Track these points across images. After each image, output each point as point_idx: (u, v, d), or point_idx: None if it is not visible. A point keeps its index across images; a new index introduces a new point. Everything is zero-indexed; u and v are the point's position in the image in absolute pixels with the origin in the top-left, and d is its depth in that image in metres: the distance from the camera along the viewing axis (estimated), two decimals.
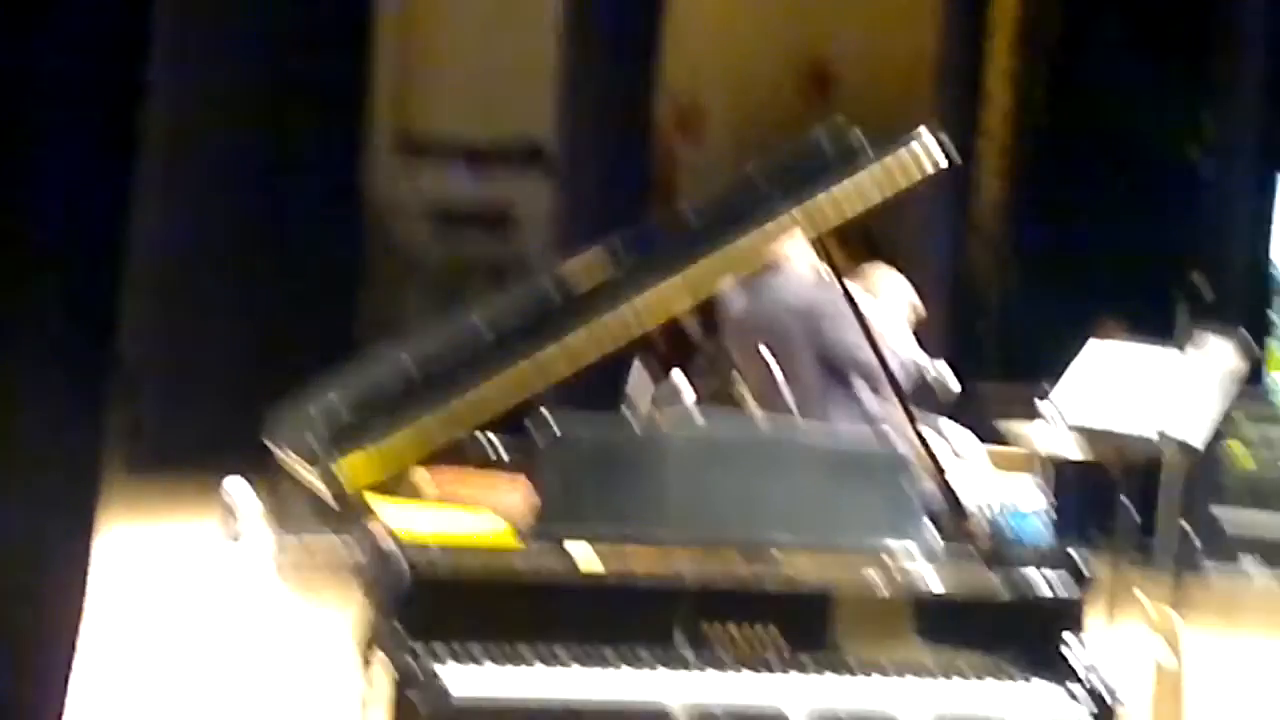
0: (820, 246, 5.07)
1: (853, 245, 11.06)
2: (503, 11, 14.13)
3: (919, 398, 7.00)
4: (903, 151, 4.82)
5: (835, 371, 6.84)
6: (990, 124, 12.97)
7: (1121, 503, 7.49)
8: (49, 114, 3.53)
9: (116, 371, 3.83)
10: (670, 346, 8.85)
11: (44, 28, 3.55)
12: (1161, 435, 7.06)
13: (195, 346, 11.84)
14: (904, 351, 6.94)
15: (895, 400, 5.02)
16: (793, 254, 6.78)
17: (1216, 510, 11.34)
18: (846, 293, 5.20)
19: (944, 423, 7.26)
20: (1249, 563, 11.32)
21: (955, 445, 7.23)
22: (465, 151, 14.53)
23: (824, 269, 5.41)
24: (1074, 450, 7.72)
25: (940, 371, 6.97)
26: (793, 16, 14.08)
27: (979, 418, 8.28)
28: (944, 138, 4.87)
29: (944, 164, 4.84)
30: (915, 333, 7.40)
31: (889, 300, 7.33)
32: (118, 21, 3.60)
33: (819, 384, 6.81)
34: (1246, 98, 11.63)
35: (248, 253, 12.13)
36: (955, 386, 6.97)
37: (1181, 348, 7.58)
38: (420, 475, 4.86)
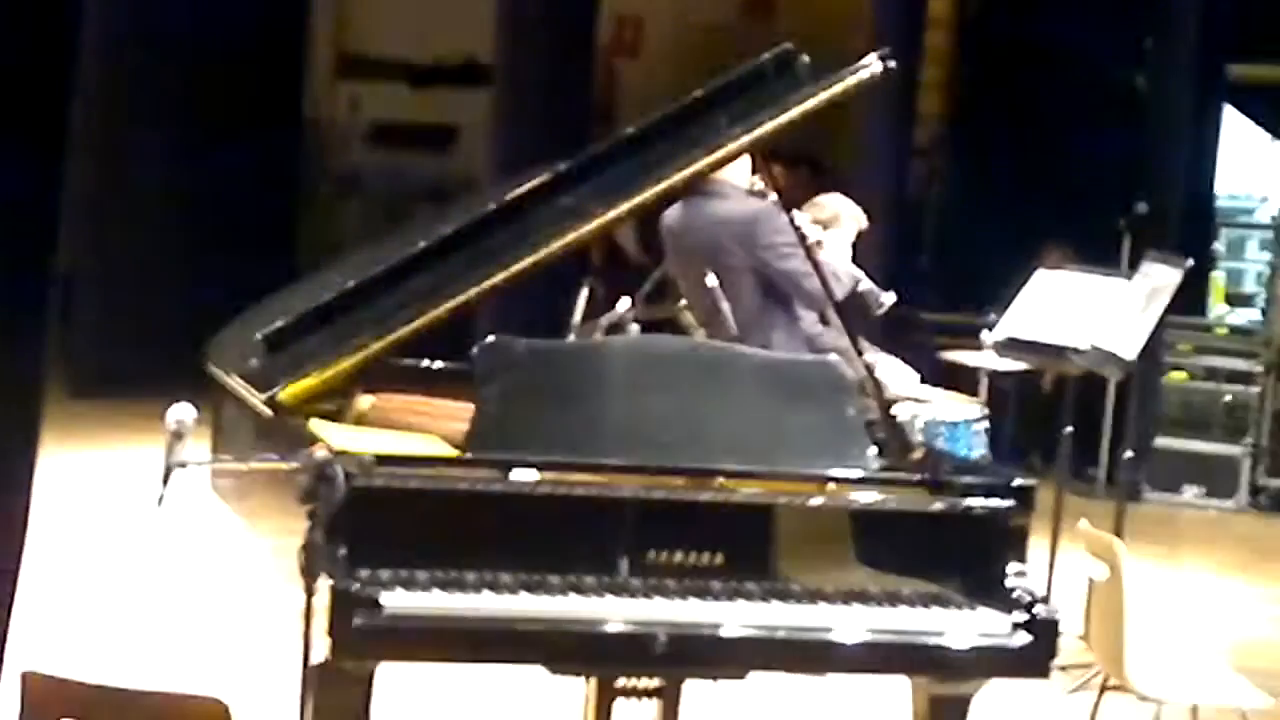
0: (765, 169, 5.03)
1: (798, 171, 11.10)
2: None
3: (854, 315, 7.01)
4: (849, 76, 4.78)
5: (775, 294, 6.82)
6: (932, 46, 12.94)
7: (1062, 428, 7.53)
8: None
9: (55, 292, 3.78)
10: (615, 271, 8.83)
11: None
12: (1094, 347, 7.12)
13: (134, 269, 11.76)
14: (839, 265, 6.93)
15: (840, 326, 5.00)
16: (733, 175, 6.75)
17: (1159, 440, 11.40)
18: (788, 215, 5.17)
19: (878, 355, 7.26)
20: (1191, 492, 11.40)
21: (890, 376, 7.22)
22: (404, 70, 14.46)
23: (765, 190, 5.40)
24: (1012, 366, 7.77)
25: (872, 285, 6.96)
26: None
27: (922, 349, 8.31)
28: (891, 65, 4.84)
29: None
30: (857, 250, 7.39)
31: (842, 227, 7.30)
32: None
33: (759, 307, 6.79)
34: (1188, 21, 11.62)
35: (189, 176, 12.05)
36: (888, 299, 6.96)
37: (1126, 275, 7.63)
38: (366, 401, 4.83)
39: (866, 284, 7.00)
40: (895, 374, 7.21)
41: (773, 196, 5.11)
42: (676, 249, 6.96)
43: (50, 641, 6.43)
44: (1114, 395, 10.88)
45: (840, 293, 6.60)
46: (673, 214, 6.98)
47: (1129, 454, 8.81)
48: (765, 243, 6.71)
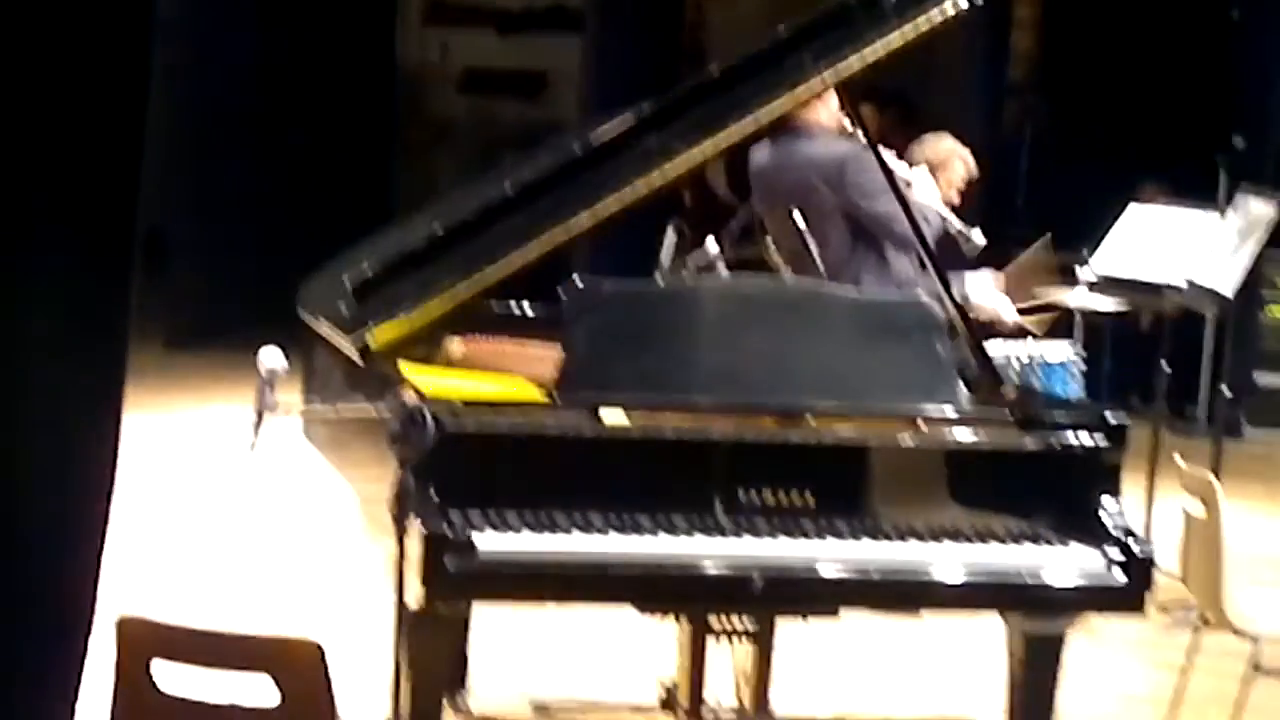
0: (853, 110, 5.00)
1: (890, 112, 11.03)
2: None
3: (945, 254, 6.97)
4: (934, 11, 4.73)
5: (865, 236, 6.79)
6: None
7: (1160, 367, 7.46)
8: None
9: (142, 247, 3.79)
10: (704, 213, 8.82)
11: None
12: (1190, 284, 7.05)
13: (229, 221, 11.83)
14: (930, 207, 6.87)
15: (930, 267, 4.97)
16: (823, 115, 6.72)
17: (1258, 375, 11.28)
18: (877, 155, 5.13)
19: (967, 275, 7.21)
20: None
21: (980, 290, 7.18)
22: (495, 17, 14.45)
23: (856, 130, 5.37)
24: (1108, 304, 7.69)
25: (961, 226, 6.91)
26: None
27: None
28: (977, 1, 4.78)
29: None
30: (962, 194, 7.34)
31: (949, 170, 7.26)
32: None
33: (848, 248, 6.76)
34: None
35: (281, 125, 12.10)
36: (978, 239, 6.90)
37: (1221, 210, 7.54)
38: (455, 345, 4.84)
39: (956, 224, 6.95)
40: (979, 283, 7.20)
41: (862, 137, 5.07)
42: (765, 189, 6.93)
43: (145, 587, 6.50)
44: (1213, 332, 10.77)
45: (930, 235, 6.56)
46: (761, 154, 6.96)
47: (1227, 391, 8.72)
48: (854, 183, 6.68)
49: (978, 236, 6.96)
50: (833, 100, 6.33)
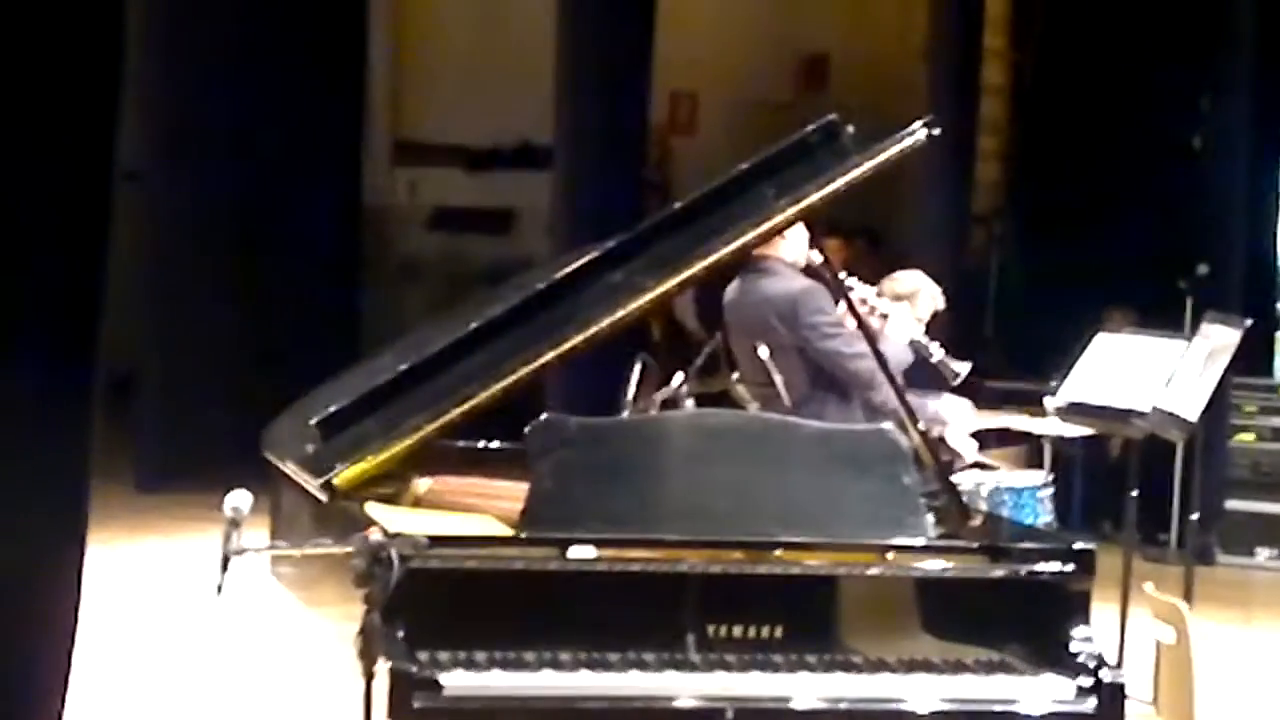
0: (816, 242, 5.04)
1: (856, 243, 11.10)
2: (495, 13, 14.14)
3: (924, 379, 6.99)
4: (893, 144, 4.79)
5: (824, 373, 6.80)
6: (988, 114, 12.93)
7: (1130, 494, 7.47)
8: (26, 130, 3.49)
9: (110, 388, 3.81)
10: (670, 347, 8.80)
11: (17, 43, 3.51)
12: (1156, 410, 7.07)
13: (196, 364, 11.82)
14: (902, 336, 6.90)
15: (895, 400, 4.98)
16: (787, 250, 6.74)
17: (1230, 503, 11.30)
18: (842, 290, 5.16)
19: (945, 397, 7.22)
20: (1264, 555, 11.28)
21: (953, 415, 7.19)
22: (462, 155, 14.54)
23: (819, 264, 5.42)
24: (1077, 432, 7.71)
25: (944, 356, 6.94)
26: (784, 7, 14.09)
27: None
28: (935, 131, 4.84)
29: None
30: (929, 328, 7.37)
31: (918, 304, 7.30)
32: (92, 33, 3.55)
33: (809, 385, 6.76)
34: (1243, 83, 11.57)
35: (247, 264, 12.12)
36: (962, 369, 6.93)
37: (1186, 337, 7.59)
38: (422, 484, 4.84)
39: (939, 354, 6.98)
40: (953, 408, 7.20)
41: (828, 271, 5.11)
42: (733, 324, 6.96)
43: None
44: (1182, 459, 10.79)
45: (897, 368, 6.59)
46: (731, 290, 6.99)
47: (1196, 517, 8.72)
48: (807, 323, 6.69)
49: (960, 366, 6.99)
50: (795, 235, 6.37)
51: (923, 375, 6.99)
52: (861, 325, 5.20)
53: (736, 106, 13.77)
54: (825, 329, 6.59)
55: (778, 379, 5.89)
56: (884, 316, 6.72)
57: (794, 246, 6.68)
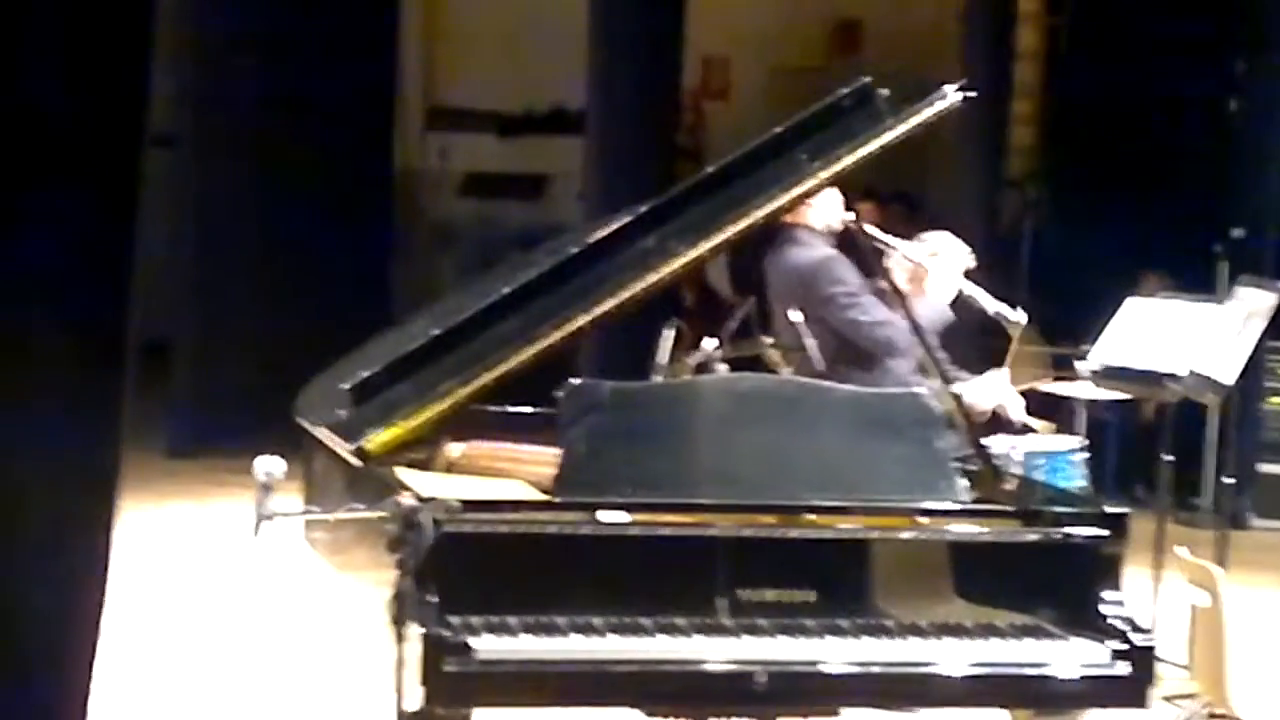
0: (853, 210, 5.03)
1: (892, 208, 11.08)
2: None
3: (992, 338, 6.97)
4: (927, 106, 4.77)
5: (849, 343, 6.79)
6: (1022, 78, 12.88)
7: (1163, 458, 7.45)
8: (57, 96, 3.51)
9: (142, 354, 3.82)
10: (702, 311, 8.82)
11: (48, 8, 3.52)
12: (1191, 373, 7.05)
13: (230, 330, 11.85)
14: (943, 294, 6.90)
15: (929, 361, 4.97)
16: (816, 216, 6.73)
17: (1262, 465, 11.26)
18: (874, 250, 5.15)
19: (976, 380, 7.21)
20: None
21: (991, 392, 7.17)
22: (495, 121, 14.54)
23: (853, 227, 5.42)
24: (1110, 396, 7.69)
25: (1000, 307, 6.93)
26: None
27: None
28: (970, 94, 4.82)
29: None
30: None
31: (946, 264, 7.29)
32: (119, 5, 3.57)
33: (835, 353, 6.74)
34: (1278, 44, 11.51)
35: (282, 234, 12.13)
36: (1019, 318, 6.92)
37: (1221, 301, 7.56)
38: (455, 449, 4.84)
39: (995, 306, 6.98)
40: (1008, 399, 7.18)
41: (861, 234, 5.09)
42: (770, 288, 6.96)
43: (144, 691, 6.47)
44: (1216, 423, 10.76)
45: (935, 326, 6.59)
46: (768, 257, 6.99)
47: (1231, 481, 8.70)
48: (824, 294, 6.69)
49: (1018, 315, 6.98)
50: (824, 202, 6.36)
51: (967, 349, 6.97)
52: (894, 288, 5.18)
53: (769, 72, 13.75)
54: (842, 299, 6.59)
55: (810, 343, 5.88)
56: (923, 272, 6.72)
57: (821, 213, 6.67)
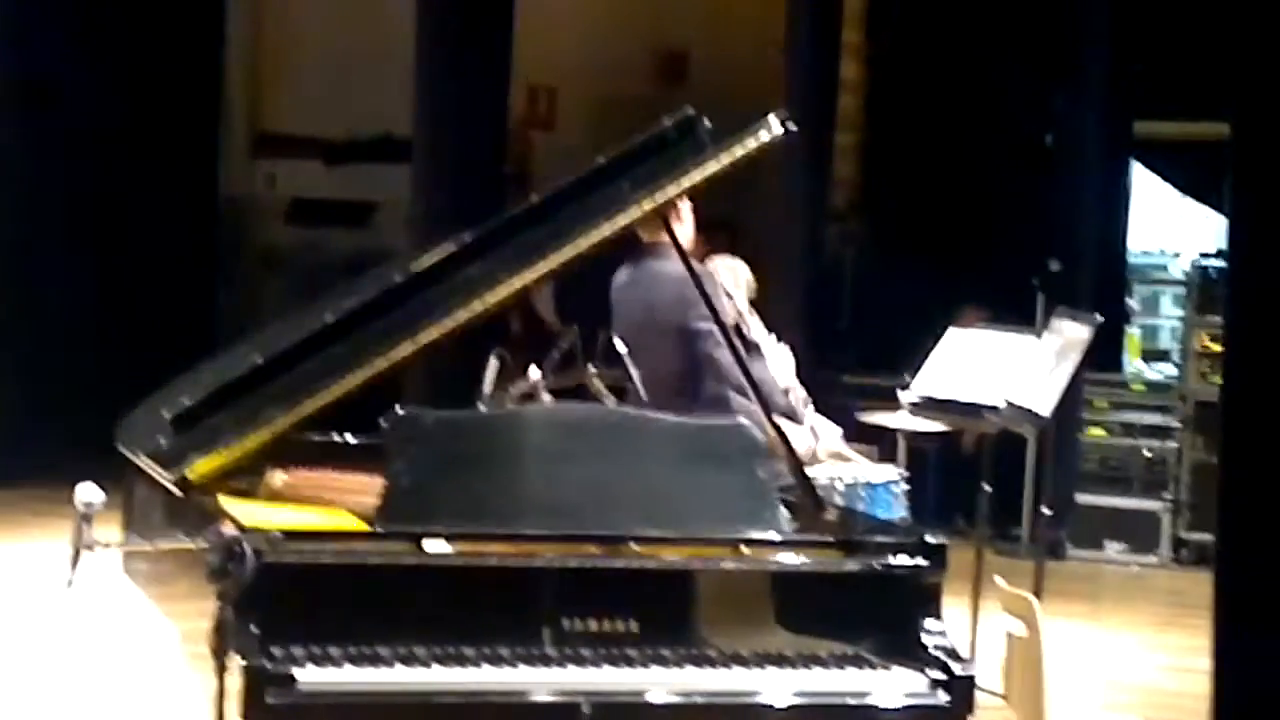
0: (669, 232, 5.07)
1: (718, 236, 11.14)
2: (355, 5, 14.08)
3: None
4: (749, 138, 4.82)
5: (695, 367, 6.82)
6: (844, 110, 13.01)
7: (982, 488, 7.55)
8: None
9: None
10: (528, 340, 8.81)
11: None
12: (1009, 404, 7.16)
13: (50, 355, 11.68)
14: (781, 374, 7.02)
15: (749, 389, 5.02)
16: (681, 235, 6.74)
17: (1080, 497, 11.45)
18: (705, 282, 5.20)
19: (813, 416, 7.28)
20: (1113, 548, 11.43)
21: (819, 434, 7.24)
22: (321, 147, 14.47)
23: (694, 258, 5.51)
24: (930, 425, 7.80)
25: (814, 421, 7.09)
26: (643, 2, 14.12)
27: (841, 411, 8.32)
28: (789, 121, 4.87)
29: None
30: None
31: (739, 289, 7.38)
32: None
33: (678, 378, 6.77)
34: (1094, 81, 11.73)
35: (104, 256, 12.00)
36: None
37: (1038, 332, 7.68)
38: (278, 478, 4.81)
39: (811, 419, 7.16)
40: (823, 432, 7.25)
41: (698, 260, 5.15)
42: (621, 308, 6.97)
43: None
44: (1034, 454, 10.93)
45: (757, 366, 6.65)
46: (621, 275, 7.02)
47: (1047, 511, 8.84)
48: (695, 327, 6.71)
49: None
50: (689, 221, 6.48)
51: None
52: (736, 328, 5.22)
53: (595, 101, 13.78)
54: (705, 313, 6.60)
55: (634, 372, 5.90)
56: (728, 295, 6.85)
57: (687, 231, 6.74)
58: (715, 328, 6.41)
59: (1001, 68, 12.12)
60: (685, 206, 6.68)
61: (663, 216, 5.04)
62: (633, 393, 5.88)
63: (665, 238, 6.58)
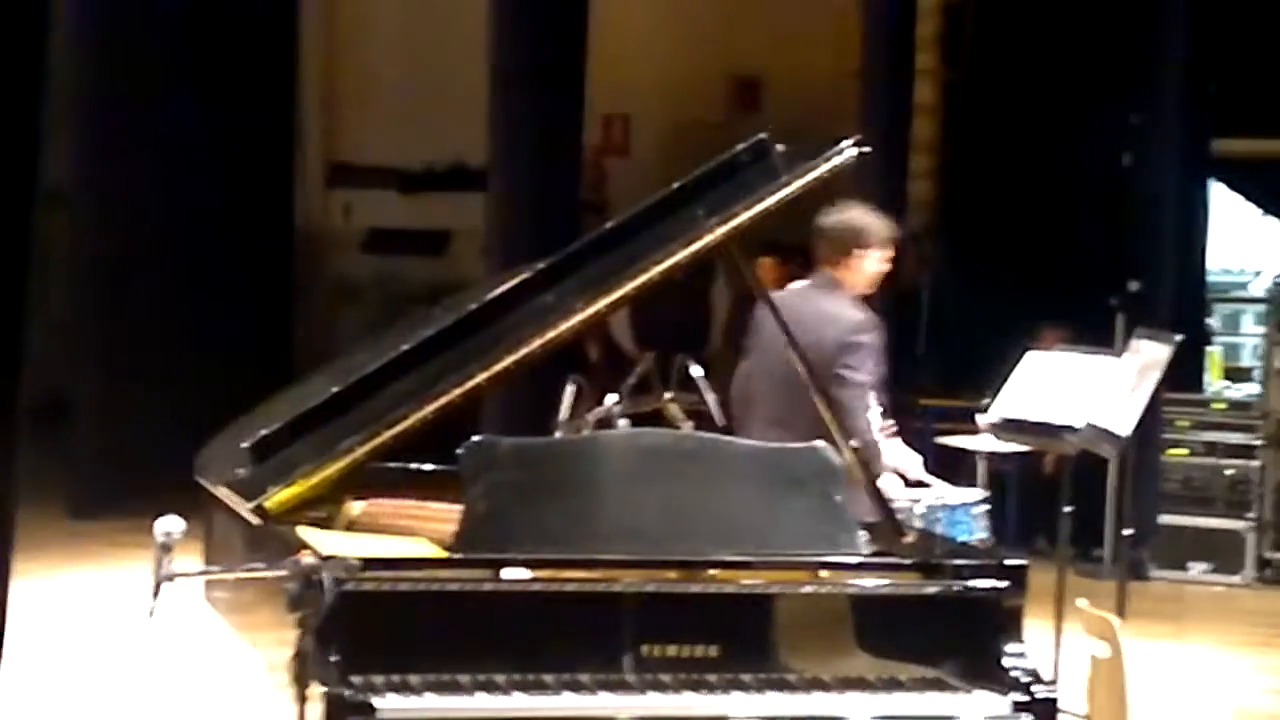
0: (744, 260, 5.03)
1: (795, 264, 11.12)
2: (428, 35, 14.13)
3: None
4: (823, 163, 4.81)
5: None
6: (920, 133, 12.98)
7: (1063, 511, 7.50)
8: None
9: (43, 412, 3.81)
10: (604, 367, 8.81)
11: None
12: (1089, 425, 7.12)
13: (132, 390, 11.75)
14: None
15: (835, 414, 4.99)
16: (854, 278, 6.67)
17: (1163, 518, 11.36)
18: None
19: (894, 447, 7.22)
20: (1196, 569, 11.33)
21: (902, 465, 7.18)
22: (397, 177, 14.54)
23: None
24: (1009, 447, 7.75)
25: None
26: (718, 29, 14.12)
27: (920, 434, 8.28)
28: (865, 150, 4.86)
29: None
30: None
31: None
32: (11, 58, 3.56)
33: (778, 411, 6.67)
34: (1172, 99, 11.65)
35: (182, 289, 12.08)
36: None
37: (1117, 353, 7.64)
38: (356, 507, 4.82)
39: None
40: (904, 460, 7.19)
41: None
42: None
43: None
44: (1115, 475, 10.84)
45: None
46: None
47: (1130, 532, 8.77)
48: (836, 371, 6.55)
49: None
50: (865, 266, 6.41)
51: None
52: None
53: (669, 128, 13.79)
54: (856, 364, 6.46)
55: (710, 398, 5.88)
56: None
57: (858, 278, 6.64)
58: (866, 385, 6.37)
59: (1078, 88, 12.05)
60: (868, 257, 6.61)
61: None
62: (709, 417, 5.86)
63: (836, 274, 6.54)
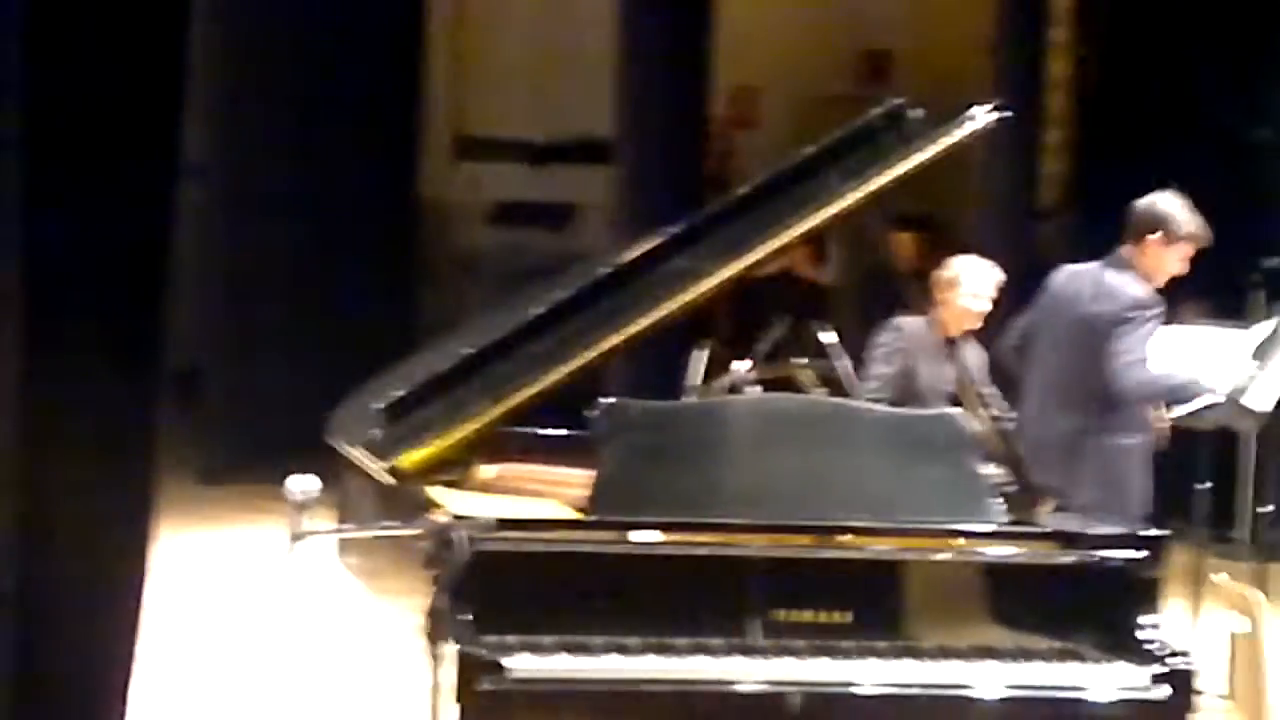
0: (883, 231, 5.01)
1: (926, 236, 11.04)
2: (555, 7, 14.13)
3: None
4: (957, 127, 4.75)
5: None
6: (1052, 108, 12.85)
7: (1199, 488, 7.40)
8: (93, 131, 3.54)
9: (176, 383, 3.85)
10: (736, 332, 8.75)
11: (85, 49, 3.56)
12: (1228, 400, 7.03)
13: (260, 357, 11.85)
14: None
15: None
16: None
17: None
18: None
19: None
20: None
21: None
22: (523, 150, 14.55)
23: None
24: None
25: None
26: (847, 1, 14.04)
27: None
28: (1004, 114, 4.80)
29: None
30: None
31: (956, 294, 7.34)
32: (156, 36, 3.60)
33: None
34: None
35: (309, 260, 12.15)
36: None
37: (1256, 329, 7.53)
38: (487, 470, 4.82)
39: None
40: None
41: None
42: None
43: (179, 715, 6.45)
44: (1253, 451, 10.68)
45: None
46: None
47: (1268, 510, 8.63)
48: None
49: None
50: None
51: None
52: None
53: (799, 101, 13.72)
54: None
55: (843, 364, 5.84)
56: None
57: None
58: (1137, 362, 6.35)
59: (1212, 63, 11.88)
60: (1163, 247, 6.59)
61: None
62: (841, 384, 5.82)
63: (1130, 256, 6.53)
